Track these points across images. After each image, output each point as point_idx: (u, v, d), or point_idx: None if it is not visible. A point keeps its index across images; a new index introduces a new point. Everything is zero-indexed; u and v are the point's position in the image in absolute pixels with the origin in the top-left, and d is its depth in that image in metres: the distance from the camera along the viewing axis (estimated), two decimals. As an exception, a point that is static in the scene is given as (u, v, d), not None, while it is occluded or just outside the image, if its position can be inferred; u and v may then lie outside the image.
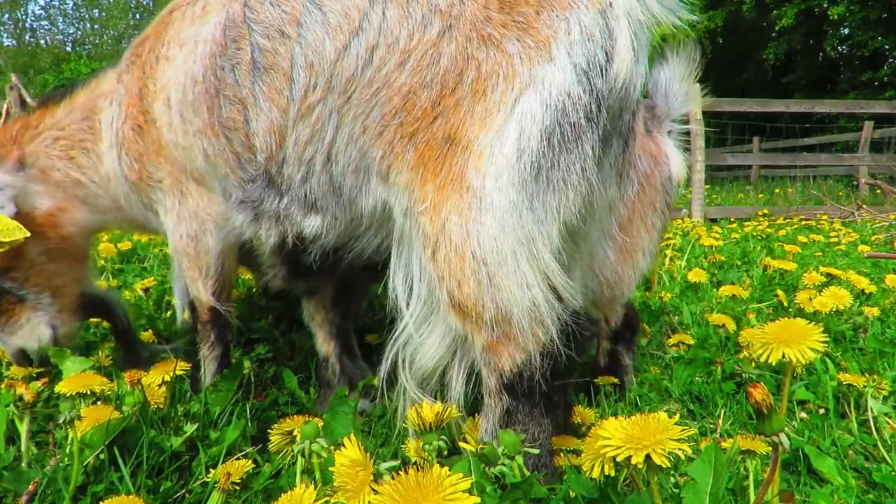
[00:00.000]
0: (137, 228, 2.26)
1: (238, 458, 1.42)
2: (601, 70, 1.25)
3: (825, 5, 19.42)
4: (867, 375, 1.87)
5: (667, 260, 4.30)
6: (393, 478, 0.90)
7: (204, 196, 1.80)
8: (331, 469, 1.07)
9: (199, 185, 1.79)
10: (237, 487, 1.32)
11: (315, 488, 1.03)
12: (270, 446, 1.41)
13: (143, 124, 1.82)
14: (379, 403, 1.88)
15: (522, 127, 1.22)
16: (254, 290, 3.00)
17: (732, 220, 8.29)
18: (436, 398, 1.44)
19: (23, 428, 1.49)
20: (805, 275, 3.07)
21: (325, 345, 2.06)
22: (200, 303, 1.94)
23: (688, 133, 2.09)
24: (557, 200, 1.27)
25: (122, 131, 1.90)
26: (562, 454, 1.47)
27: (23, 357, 2.06)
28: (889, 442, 1.67)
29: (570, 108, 1.23)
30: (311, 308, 2.05)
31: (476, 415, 1.50)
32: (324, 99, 1.42)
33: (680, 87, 2.02)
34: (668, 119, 2.03)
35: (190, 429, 1.54)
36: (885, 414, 1.78)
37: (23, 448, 1.47)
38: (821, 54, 22.17)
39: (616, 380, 2.01)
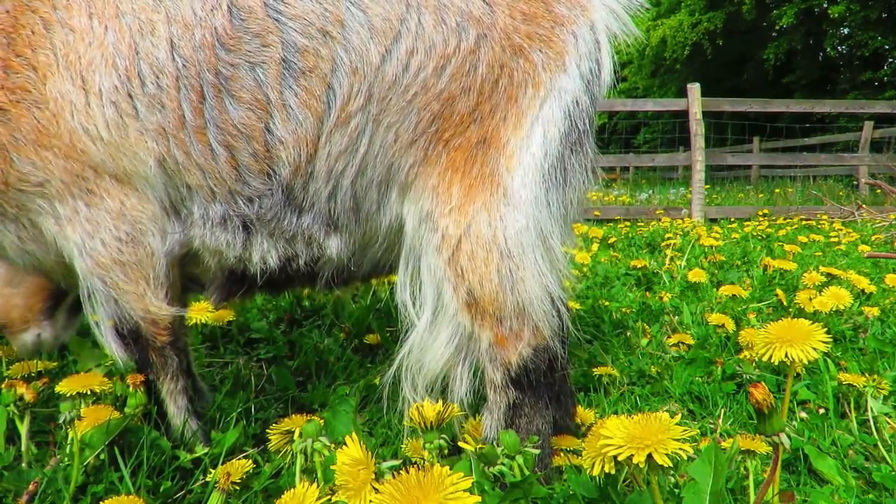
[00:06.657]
0: None
1: (239, 459, 1.43)
2: (596, 79, 1.43)
3: (825, 5, 19.45)
4: (867, 375, 1.87)
5: (667, 260, 4.30)
6: (394, 477, 0.90)
7: (130, 195, 1.46)
8: (332, 468, 1.07)
9: (123, 184, 1.45)
10: (237, 487, 1.32)
11: (317, 487, 1.03)
12: (270, 446, 1.41)
13: (10, 106, 1.41)
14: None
15: (546, 130, 1.36)
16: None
17: (732, 220, 8.28)
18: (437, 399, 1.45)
19: (23, 428, 1.49)
20: (805, 275, 3.07)
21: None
22: (153, 322, 1.56)
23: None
24: (566, 196, 1.41)
25: None
26: (562, 454, 1.48)
27: None
28: (889, 442, 1.67)
29: (579, 114, 1.39)
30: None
31: (476, 415, 1.50)
32: (364, 107, 1.37)
33: None
34: None
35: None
36: (885, 414, 1.78)
37: (23, 448, 1.47)
38: (821, 54, 22.19)
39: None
